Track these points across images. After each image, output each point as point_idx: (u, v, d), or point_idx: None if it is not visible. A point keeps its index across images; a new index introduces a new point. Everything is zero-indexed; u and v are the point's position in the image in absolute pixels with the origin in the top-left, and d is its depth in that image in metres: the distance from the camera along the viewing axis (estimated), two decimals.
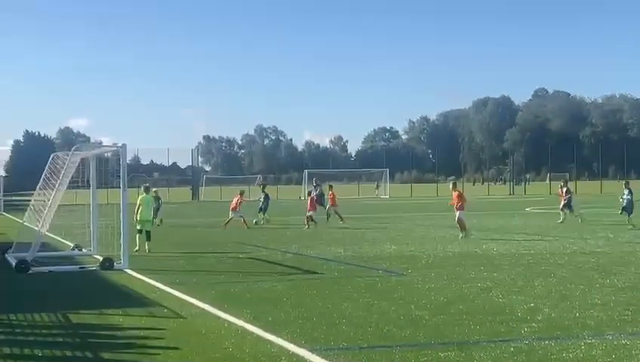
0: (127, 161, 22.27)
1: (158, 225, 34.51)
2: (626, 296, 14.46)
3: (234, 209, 36.49)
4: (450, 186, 30.59)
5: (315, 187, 42.96)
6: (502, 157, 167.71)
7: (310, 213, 36.00)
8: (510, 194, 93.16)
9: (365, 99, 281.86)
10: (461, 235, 27.71)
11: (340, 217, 37.32)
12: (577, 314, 12.78)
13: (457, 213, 28.32)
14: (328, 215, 38.25)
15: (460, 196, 28.73)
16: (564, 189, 36.69)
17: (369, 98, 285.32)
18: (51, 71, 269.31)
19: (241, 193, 38.19)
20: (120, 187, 21.14)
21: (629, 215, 32.53)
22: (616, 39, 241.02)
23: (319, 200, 39.54)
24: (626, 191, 32.95)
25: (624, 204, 32.97)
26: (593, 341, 10.70)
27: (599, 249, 23.42)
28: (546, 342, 10.73)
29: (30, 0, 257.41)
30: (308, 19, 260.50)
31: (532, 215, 44.50)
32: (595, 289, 15.46)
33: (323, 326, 12.16)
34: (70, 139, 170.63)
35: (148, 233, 25.10)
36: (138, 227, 25.14)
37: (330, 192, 39.06)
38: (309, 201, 37.00)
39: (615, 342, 10.60)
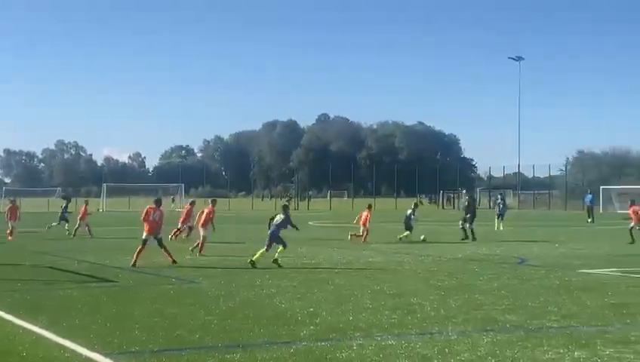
0: None
1: None
2: (393, 302, 14.93)
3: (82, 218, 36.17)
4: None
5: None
6: (288, 175, 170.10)
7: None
8: (295, 209, 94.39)
9: (162, 117, 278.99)
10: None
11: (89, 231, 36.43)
12: (351, 318, 13.08)
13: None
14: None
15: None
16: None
17: (166, 117, 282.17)
18: None
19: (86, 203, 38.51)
20: None
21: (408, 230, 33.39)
22: (389, 70, 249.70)
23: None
24: (410, 211, 33.67)
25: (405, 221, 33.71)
26: (364, 342, 10.99)
27: (372, 259, 24.11)
28: (323, 343, 10.93)
29: None
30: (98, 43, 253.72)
31: (313, 228, 45.28)
32: (366, 295, 15.88)
33: (117, 331, 11.88)
34: None
35: None
36: None
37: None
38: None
39: (383, 343, 10.92)
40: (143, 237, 22.74)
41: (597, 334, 11.58)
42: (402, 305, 14.46)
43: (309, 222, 52.13)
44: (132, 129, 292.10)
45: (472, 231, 33.00)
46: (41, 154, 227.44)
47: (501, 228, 41.37)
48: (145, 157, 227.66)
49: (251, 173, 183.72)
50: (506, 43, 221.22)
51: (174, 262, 22.18)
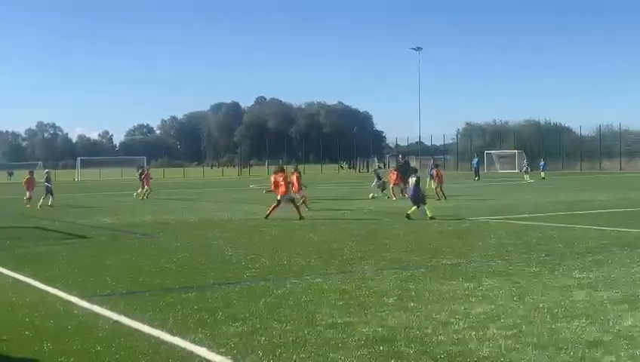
0: None
1: None
2: (319, 248, 15.01)
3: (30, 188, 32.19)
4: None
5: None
6: (233, 147, 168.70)
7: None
8: (239, 175, 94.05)
9: (126, 100, 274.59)
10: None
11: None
12: (285, 262, 13.11)
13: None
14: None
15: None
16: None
17: (129, 100, 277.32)
18: None
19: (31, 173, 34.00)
20: None
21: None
22: (314, 57, 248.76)
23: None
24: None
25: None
26: (296, 281, 11.04)
27: (309, 213, 24.07)
28: (263, 283, 10.94)
29: None
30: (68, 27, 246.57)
31: (253, 190, 45.12)
32: (297, 244, 15.94)
33: (91, 278, 11.71)
34: None
35: None
36: None
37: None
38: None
39: (311, 281, 10.99)
40: (278, 198, 22.67)
41: (482, 268, 11.82)
42: (326, 250, 14.54)
43: (250, 186, 51.95)
44: (101, 110, 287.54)
45: (400, 191, 30.92)
46: (25, 133, 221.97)
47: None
48: (112, 135, 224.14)
49: (202, 146, 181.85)
50: (408, 34, 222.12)
51: (301, 218, 21.80)
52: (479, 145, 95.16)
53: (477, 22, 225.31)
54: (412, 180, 22.42)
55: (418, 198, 21.61)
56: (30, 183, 32.60)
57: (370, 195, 32.21)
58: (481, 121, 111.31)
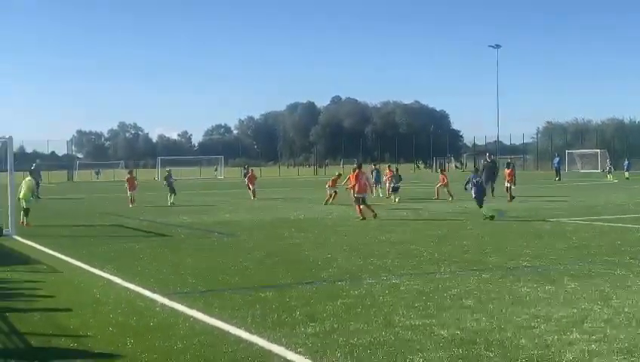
0: (14, 150, 21.18)
1: (39, 198, 29.97)
2: (396, 249, 14.94)
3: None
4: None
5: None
6: (308, 147, 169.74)
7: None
8: (315, 175, 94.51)
9: (205, 101, 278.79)
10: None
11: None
12: (361, 262, 13.11)
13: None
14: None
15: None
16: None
17: (208, 100, 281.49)
18: None
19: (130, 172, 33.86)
20: (7, 171, 20.11)
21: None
22: (391, 57, 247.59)
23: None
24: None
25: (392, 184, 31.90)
26: (372, 281, 11.03)
27: (381, 214, 24.02)
28: (339, 282, 10.96)
29: None
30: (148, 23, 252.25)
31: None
32: (374, 244, 15.91)
33: (172, 275, 11.98)
34: None
35: (26, 210, 22.90)
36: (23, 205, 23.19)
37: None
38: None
39: (388, 282, 10.95)
40: (355, 196, 22.77)
41: (563, 271, 11.55)
42: (403, 251, 14.47)
43: (326, 186, 51.93)
44: (180, 111, 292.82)
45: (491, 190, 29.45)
46: (107, 133, 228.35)
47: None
48: (191, 135, 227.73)
49: (278, 146, 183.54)
50: (485, 32, 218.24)
51: (375, 215, 21.94)
52: (560, 144, 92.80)
53: (558, 18, 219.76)
54: (476, 181, 22.36)
55: (481, 198, 21.80)
56: (132, 182, 32.28)
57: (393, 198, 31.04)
58: (562, 119, 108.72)
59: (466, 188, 23.50)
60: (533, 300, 9.30)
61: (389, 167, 34.59)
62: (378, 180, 34.48)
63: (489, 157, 34.48)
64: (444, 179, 31.70)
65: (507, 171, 30.98)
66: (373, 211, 22.23)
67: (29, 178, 23.50)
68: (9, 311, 9.34)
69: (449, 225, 19.73)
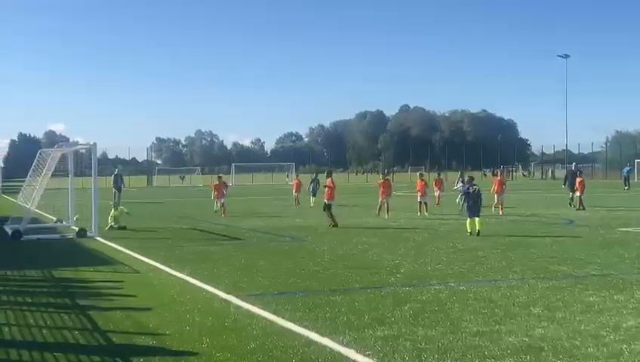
0: (97, 156, 21.92)
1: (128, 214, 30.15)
2: (463, 256, 14.77)
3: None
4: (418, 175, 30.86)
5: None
6: (377, 154, 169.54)
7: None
8: None
9: (278, 110, 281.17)
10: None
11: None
12: (429, 268, 13.02)
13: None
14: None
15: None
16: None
17: (280, 109, 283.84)
18: (29, 83, 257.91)
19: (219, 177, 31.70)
20: (92, 175, 20.86)
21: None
22: (459, 66, 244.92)
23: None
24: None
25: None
26: (440, 287, 10.94)
27: (444, 221, 23.84)
28: (406, 288, 10.91)
29: None
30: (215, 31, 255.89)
31: (396, 197, 44.94)
32: (441, 250, 15.76)
33: (245, 278, 12.13)
34: (53, 139, 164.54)
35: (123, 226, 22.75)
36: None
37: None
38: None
39: (455, 288, 10.83)
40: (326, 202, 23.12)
41: (633, 281, 11.22)
42: (470, 258, 14.30)
43: (393, 193, 51.72)
44: (253, 119, 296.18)
45: (574, 199, 29.40)
46: (184, 140, 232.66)
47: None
48: (264, 142, 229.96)
49: (347, 153, 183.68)
50: (554, 39, 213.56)
51: (336, 225, 21.98)
52: (630, 153, 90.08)
53: (628, 25, 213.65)
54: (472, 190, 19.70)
55: (475, 210, 19.16)
56: (220, 188, 29.51)
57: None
58: (632, 128, 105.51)
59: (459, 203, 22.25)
60: (602, 309, 9.06)
61: (438, 174, 34.45)
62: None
63: (575, 167, 34.48)
64: (580, 186, 29.09)
65: (578, 180, 30.15)
66: (334, 221, 22.17)
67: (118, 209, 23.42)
68: (92, 310, 9.62)
69: (517, 233, 19.35)
